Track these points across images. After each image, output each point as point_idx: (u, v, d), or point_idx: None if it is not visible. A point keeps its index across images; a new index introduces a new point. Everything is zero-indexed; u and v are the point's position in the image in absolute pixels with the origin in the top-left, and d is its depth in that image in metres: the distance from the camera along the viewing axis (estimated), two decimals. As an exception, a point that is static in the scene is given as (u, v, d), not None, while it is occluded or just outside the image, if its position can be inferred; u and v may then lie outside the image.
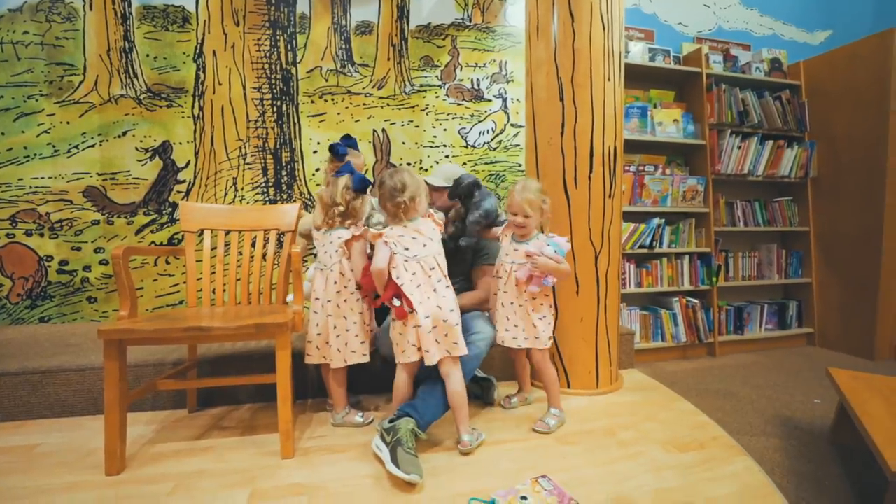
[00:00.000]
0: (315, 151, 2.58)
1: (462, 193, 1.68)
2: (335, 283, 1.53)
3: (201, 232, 1.71)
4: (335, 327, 1.53)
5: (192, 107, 2.44)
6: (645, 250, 2.63)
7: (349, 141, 1.87)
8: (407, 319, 1.39)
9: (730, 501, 1.18)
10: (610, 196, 1.88)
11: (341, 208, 1.53)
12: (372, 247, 1.53)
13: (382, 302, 1.43)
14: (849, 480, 1.38)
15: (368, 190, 1.59)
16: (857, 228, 2.69)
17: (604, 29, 1.82)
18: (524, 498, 1.16)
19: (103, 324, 1.50)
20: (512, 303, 1.57)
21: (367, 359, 1.56)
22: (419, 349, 1.40)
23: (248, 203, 2.50)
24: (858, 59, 2.66)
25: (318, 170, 2.58)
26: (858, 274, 2.68)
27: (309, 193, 2.55)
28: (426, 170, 2.69)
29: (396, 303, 1.37)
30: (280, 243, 2.17)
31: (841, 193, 2.78)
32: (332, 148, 1.81)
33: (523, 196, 1.52)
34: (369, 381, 1.87)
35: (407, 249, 1.41)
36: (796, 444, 1.61)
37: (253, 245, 1.75)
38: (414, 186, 1.43)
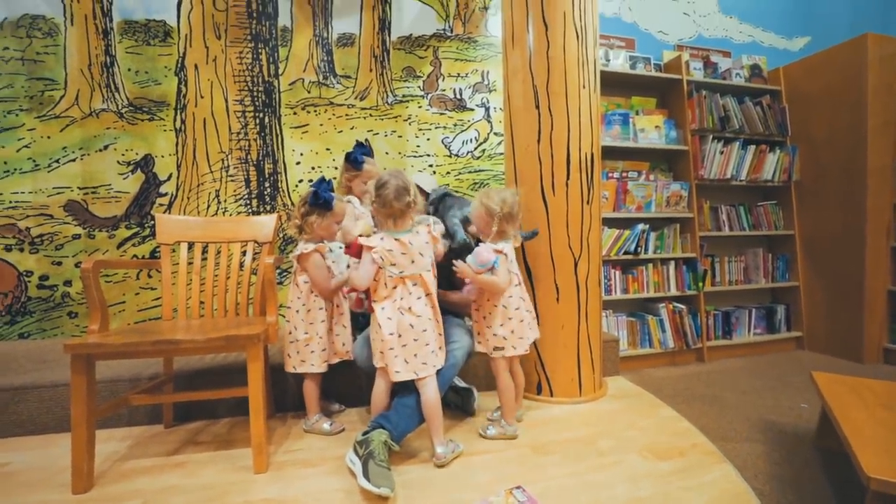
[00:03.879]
0: (298, 163, 2.58)
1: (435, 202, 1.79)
2: (297, 294, 1.59)
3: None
4: (289, 333, 1.60)
5: (174, 120, 2.45)
6: (630, 256, 2.63)
7: (364, 149, 1.87)
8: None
9: (706, 509, 1.16)
10: (588, 202, 1.88)
11: (297, 222, 1.56)
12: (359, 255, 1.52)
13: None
14: (831, 486, 1.37)
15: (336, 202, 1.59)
16: (840, 230, 2.70)
17: (577, 38, 1.84)
18: (496, 510, 1.14)
19: (70, 339, 1.49)
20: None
21: (315, 369, 1.58)
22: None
23: (231, 215, 2.50)
24: (835, 64, 2.70)
25: (301, 181, 2.58)
26: (844, 276, 2.69)
27: (292, 205, 2.55)
28: (410, 179, 2.70)
29: (363, 295, 1.41)
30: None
31: (824, 196, 2.80)
32: (349, 156, 1.82)
33: (474, 207, 1.59)
34: (357, 391, 1.86)
35: (394, 265, 1.37)
36: (780, 449, 1.60)
37: (231, 257, 1.75)
38: (414, 186, 1.41)
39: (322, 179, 1.56)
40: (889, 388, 1.52)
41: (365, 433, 1.33)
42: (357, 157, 1.81)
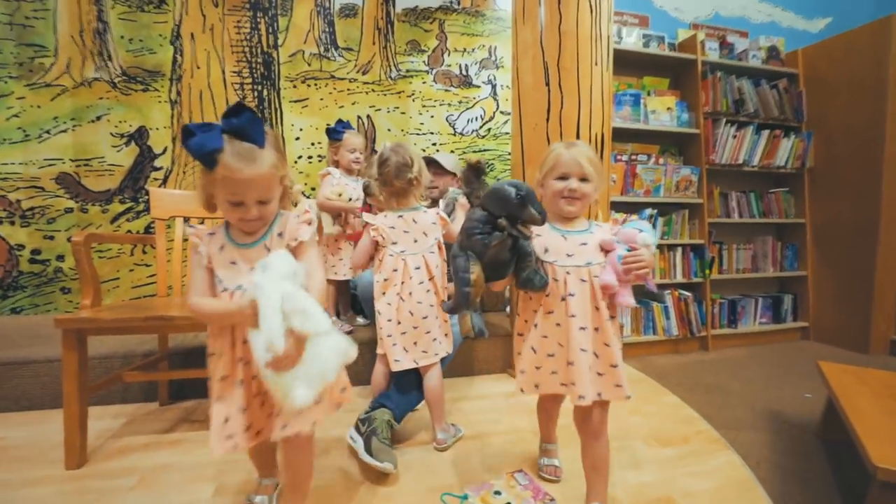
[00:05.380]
0: (297, 138, 2.54)
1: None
2: None
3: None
4: None
5: (170, 91, 2.39)
6: (636, 242, 2.60)
7: (344, 124, 2.03)
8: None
9: (709, 496, 1.17)
10: (597, 184, 1.85)
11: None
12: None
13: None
14: (835, 476, 1.37)
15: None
16: (853, 220, 2.67)
17: (591, 12, 1.79)
18: (497, 493, 1.14)
19: (61, 313, 1.47)
20: (583, 328, 0.98)
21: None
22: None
23: (227, 191, 2.47)
24: (857, 47, 2.63)
25: (300, 157, 2.54)
26: (854, 267, 2.67)
27: (291, 182, 2.51)
28: (412, 158, 2.67)
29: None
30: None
31: (838, 185, 2.76)
32: (327, 130, 2.00)
33: (580, 151, 1.03)
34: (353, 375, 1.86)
35: (395, 244, 1.35)
36: (784, 438, 1.60)
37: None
38: (419, 162, 1.37)
39: (237, 105, 0.82)
40: (898, 378, 1.52)
41: (367, 412, 1.34)
42: (335, 128, 1.97)
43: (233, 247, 0.90)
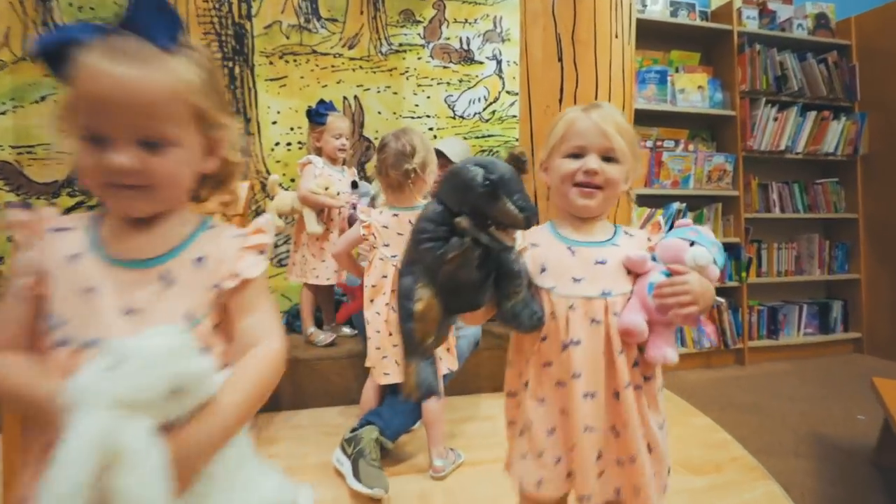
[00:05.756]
0: (274, 122, 2.53)
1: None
2: None
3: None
4: None
5: (127, 68, 2.39)
6: (663, 240, 2.60)
7: (326, 105, 2.03)
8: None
9: (747, 535, 1.16)
10: (617, 174, 1.85)
11: None
12: None
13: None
14: (892, 510, 1.36)
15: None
16: (912, 215, 2.67)
17: (611, -26, 1.79)
18: (501, 530, 1.12)
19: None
20: (590, 394, 0.74)
21: None
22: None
23: (194, 183, 2.47)
24: (918, 15, 2.62)
25: (277, 143, 2.53)
26: (913, 269, 2.66)
27: (267, 171, 2.50)
28: (406, 144, 2.66)
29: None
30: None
31: None
32: (308, 112, 2.00)
33: (604, 115, 0.78)
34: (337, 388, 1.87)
35: (387, 246, 1.36)
36: (832, 466, 1.60)
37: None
38: (425, 152, 1.37)
39: None
40: (965, 398, 1.51)
41: (353, 430, 1.35)
42: (317, 110, 1.95)
43: (98, 261, 0.54)
